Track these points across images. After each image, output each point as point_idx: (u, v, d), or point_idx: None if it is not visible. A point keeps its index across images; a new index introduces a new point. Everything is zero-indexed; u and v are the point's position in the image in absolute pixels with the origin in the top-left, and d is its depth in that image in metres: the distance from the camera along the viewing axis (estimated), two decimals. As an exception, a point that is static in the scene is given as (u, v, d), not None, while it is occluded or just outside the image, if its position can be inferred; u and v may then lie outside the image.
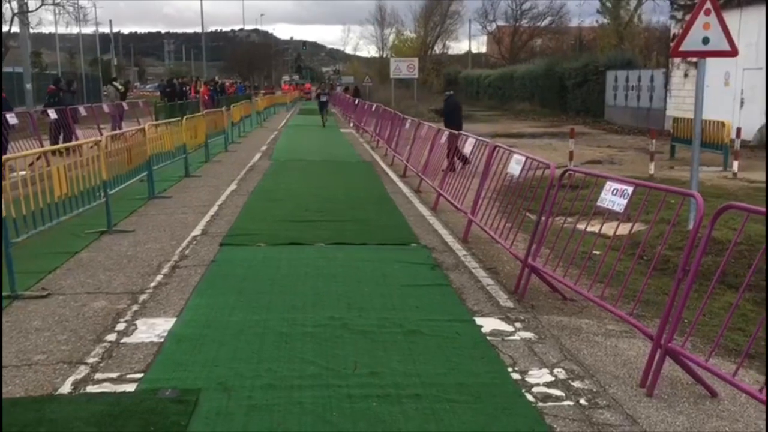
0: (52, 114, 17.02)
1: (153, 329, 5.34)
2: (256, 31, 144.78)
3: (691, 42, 8.68)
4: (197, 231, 8.88)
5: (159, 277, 6.76)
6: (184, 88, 34.87)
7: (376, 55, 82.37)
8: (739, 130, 15.64)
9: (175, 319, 5.55)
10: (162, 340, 5.12)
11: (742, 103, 22.19)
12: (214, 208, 10.48)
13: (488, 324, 5.52)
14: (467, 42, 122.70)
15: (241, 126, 25.69)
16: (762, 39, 21.10)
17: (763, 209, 4.19)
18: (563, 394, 4.30)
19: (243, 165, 16.19)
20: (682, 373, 4.48)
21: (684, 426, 3.94)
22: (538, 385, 4.42)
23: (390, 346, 5.00)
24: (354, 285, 6.49)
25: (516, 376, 4.55)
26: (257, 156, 18.32)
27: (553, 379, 4.53)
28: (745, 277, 6.81)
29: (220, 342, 5.07)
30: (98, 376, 4.49)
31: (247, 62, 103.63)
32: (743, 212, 4.26)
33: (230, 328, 5.35)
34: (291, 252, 7.78)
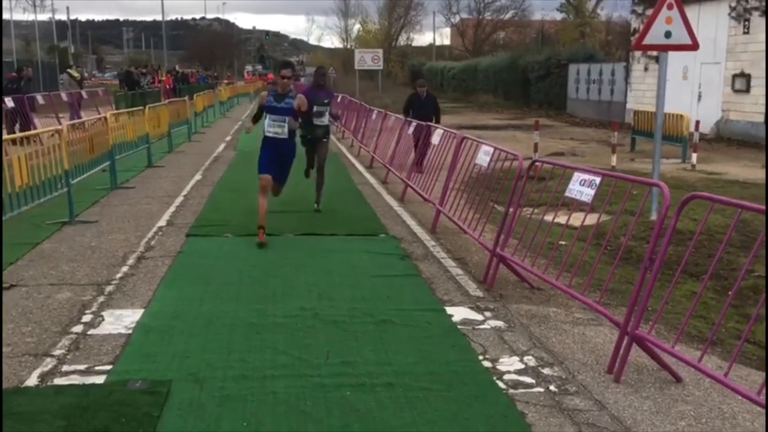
0: (9, 102, 16.57)
1: (120, 321, 5.26)
2: (217, 20, 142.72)
3: (654, 36, 8.85)
4: (162, 222, 8.76)
5: (125, 268, 6.66)
6: (137, 78, 34.12)
7: (341, 46, 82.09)
8: (697, 123, 16.01)
9: (142, 311, 5.48)
10: (130, 331, 5.05)
11: (699, 96, 22.69)
12: (179, 199, 10.35)
13: (458, 313, 5.57)
14: (431, 34, 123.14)
15: (204, 116, 25.36)
16: (720, 33, 21.59)
17: (727, 199, 4.31)
18: (533, 381, 4.37)
19: (207, 155, 15.99)
20: (647, 359, 4.59)
21: (651, 410, 4.03)
22: (509, 372, 4.49)
23: (362, 335, 5.01)
24: (324, 275, 6.48)
25: (487, 364, 4.61)
26: (222, 146, 18.12)
27: (523, 366, 4.59)
28: (704, 266, 7.03)
29: (189, 333, 5.03)
30: (65, 368, 4.41)
31: (208, 52, 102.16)
32: (707, 202, 4.37)
33: (200, 319, 5.30)
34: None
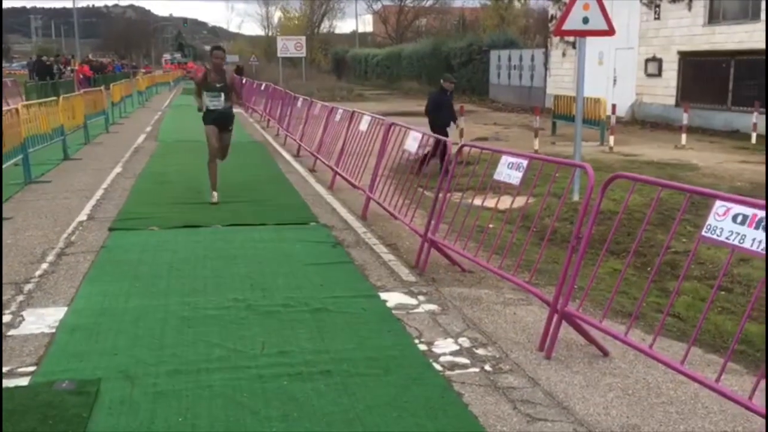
0: None
1: (42, 320, 5.04)
2: (131, 7, 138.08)
3: (573, 21, 9.10)
4: (83, 216, 8.43)
5: (44, 266, 6.38)
6: (51, 67, 32.64)
7: (262, 33, 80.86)
8: (614, 106, 16.61)
9: (66, 309, 5.27)
10: (53, 330, 4.85)
11: (615, 81, 23.51)
12: (100, 192, 9.98)
13: (392, 298, 5.60)
14: (353, 21, 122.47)
15: (122, 106, 24.52)
16: (632, 19, 22.39)
17: (648, 178, 4.48)
18: (468, 362, 4.45)
19: (127, 146, 15.47)
20: (576, 335, 4.74)
21: (581, 384, 4.18)
22: (444, 354, 4.55)
23: (297, 324, 4.97)
24: (256, 266, 6.40)
25: (423, 347, 4.66)
26: (142, 137, 17.57)
27: (458, 348, 4.67)
28: (624, 244, 7.31)
29: (117, 330, 4.87)
30: (-15, 372, 4.19)
31: (123, 40, 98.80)
32: (624, 182, 4.55)
33: (128, 315, 5.14)
34: (187, 235, 7.55)
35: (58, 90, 25.69)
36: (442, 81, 12.37)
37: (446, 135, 11.32)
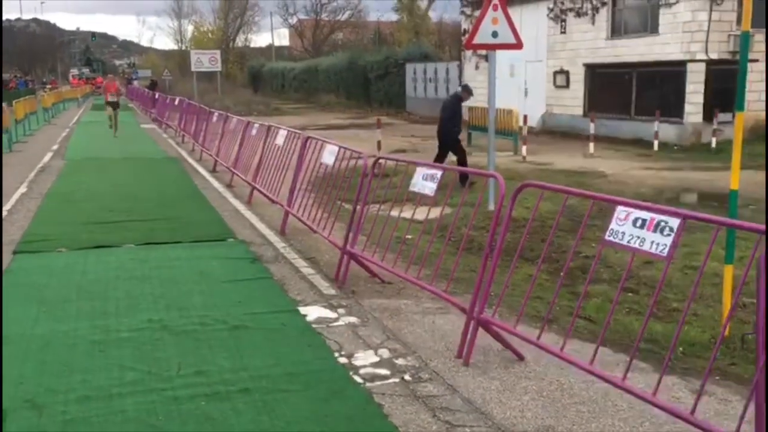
0: None
1: (-61, 351, 4.75)
2: (35, 20, 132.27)
3: (483, 35, 9.37)
4: (-16, 240, 7.99)
5: (-59, 294, 6.01)
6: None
7: (175, 47, 79.24)
8: (525, 117, 17.14)
9: (-34, 338, 4.98)
10: (-48, 362, 4.57)
11: (526, 92, 24.26)
12: (2, 214, 9.49)
13: (312, 312, 5.58)
14: (268, 35, 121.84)
15: (26, 123, 23.46)
16: (541, 33, 23.21)
17: (555, 186, 4.65)
18: (389, 373, 4.47)
19: (32, 166, 14.80)
20: (493, 341, 4.85)
21: (498, 389, 4.27)
22: (364, 366, 4.56)
23: (215, 343, 4.88)
24: (171, 285, 6.24)
25: (343, 360, 4.66)
26: (48, 155, 16.85)
27: (378, 359, 4.69)
28: (538, 251, 7.54)
29: (23, 358, 4.64)
30: None
31: (27, 55, 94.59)
32: (538, 190, 4.71)
33: (34, 342, 4.91)
34: (97, 256, 7.28)
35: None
36: (460, 90, 12.56)
37: (456, 143, 12.24)
